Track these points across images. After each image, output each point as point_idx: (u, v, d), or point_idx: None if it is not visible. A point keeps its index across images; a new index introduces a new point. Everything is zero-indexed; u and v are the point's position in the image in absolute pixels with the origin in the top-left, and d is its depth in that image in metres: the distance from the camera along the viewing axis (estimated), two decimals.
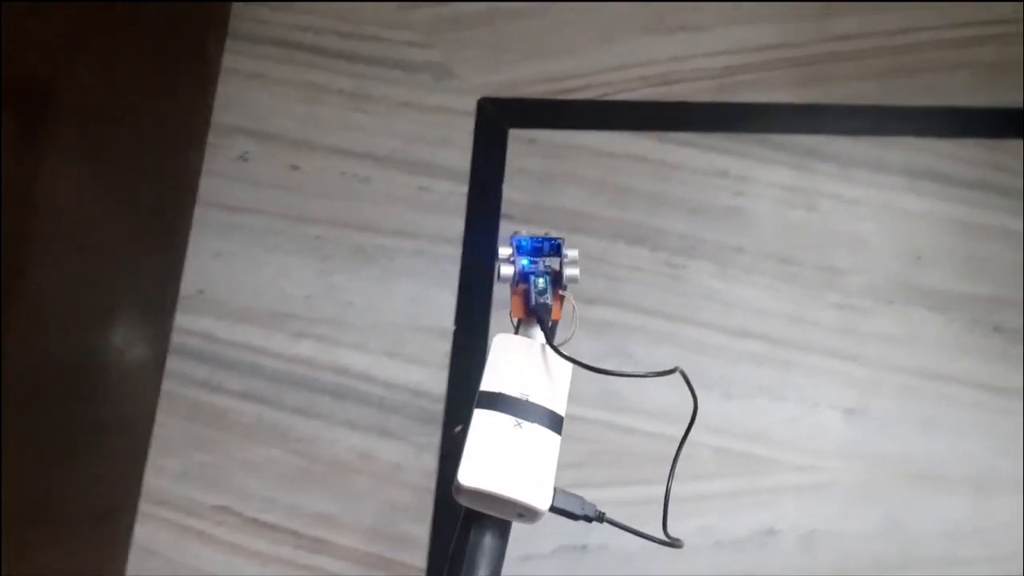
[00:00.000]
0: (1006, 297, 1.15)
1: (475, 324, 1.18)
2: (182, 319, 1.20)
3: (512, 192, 1.25)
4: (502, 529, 0.59)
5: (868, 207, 1.20)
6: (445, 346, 1.17)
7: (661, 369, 0.60)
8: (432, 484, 1.12)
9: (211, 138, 1.28)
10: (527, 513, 0.57)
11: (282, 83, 1.31)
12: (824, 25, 1.28)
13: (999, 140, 1.21)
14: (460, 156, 1.27)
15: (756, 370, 1.14)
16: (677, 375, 0.59)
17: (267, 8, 1.35)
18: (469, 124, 1.29)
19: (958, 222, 1.19)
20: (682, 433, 0.61)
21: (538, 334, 0.65)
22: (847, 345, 1.15)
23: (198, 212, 1.25)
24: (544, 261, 0.67)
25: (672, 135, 1.26)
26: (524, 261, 0.67)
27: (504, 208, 1.25)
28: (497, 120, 1.28)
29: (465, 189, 1.26)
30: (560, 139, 1.27)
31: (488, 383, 0.61)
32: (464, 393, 1.15)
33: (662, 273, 1.20)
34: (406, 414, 1.15)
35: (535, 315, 0.65)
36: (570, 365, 0.63)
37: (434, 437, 1.14)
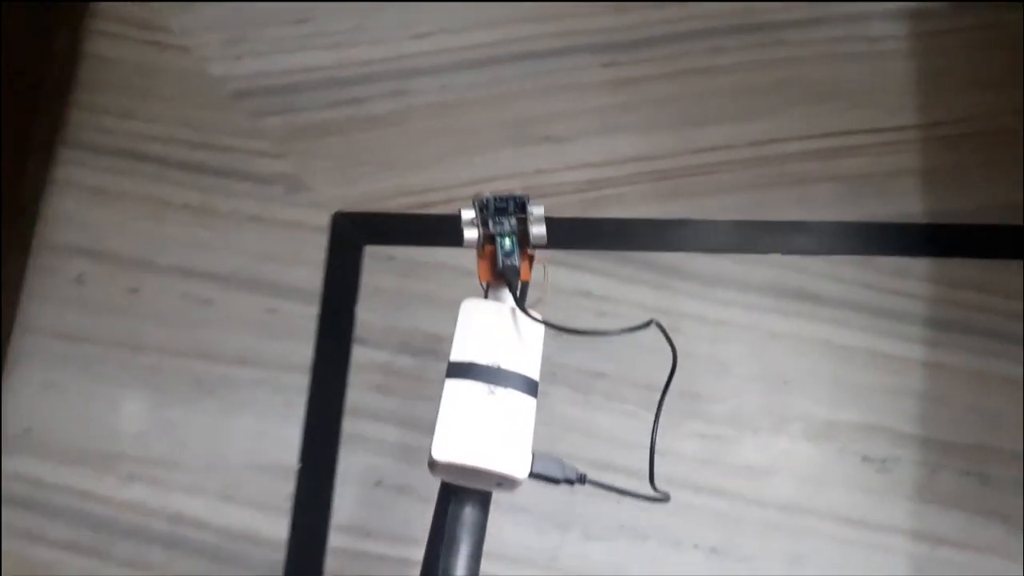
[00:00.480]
0: (875, 424, 1.11)
1: (321, 461, 1.12)
2: (6, 462, 1.11)
3: (366, 314, 1.19)
4: (482, 501, 0.58)
5: (732, 328, 1.16)
6: (287, 487, 1.10)
7: (635, 324, 0.60)
8: None
9: (43, 259, 1.20)
10: (506, 482, 0.56)
11: (124, 197, 1.25)
12: (688, 136, 1.24)
13: (868, 257, 1.18)
14: (312, 275, 1.21)
15: (617, 507, 1.09)
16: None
17: (111, 117, 1.28)
18: (322, 240, 1.23)
19: (826, 344, 1.15)
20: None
21: (507, 297, 0.64)
22: (710, 477, 1.10)
23: (26, 340, 1.17)
24: (510, 220, 0.65)
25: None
26: (489, 222, 0.65)
27: (357, 331, 1.18)
28: (352, 236, 1.22)
29: (315, 311, 1.19)
30: (419, 256, 1.21)
31: (458, 352, 0.60)
32: (306, 543, 1.08)
33: None
34: (243, 564, 1.07)
35: (503, 277, 0.64)
36: (542, 327, 0.62)
37: None
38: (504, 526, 1.08)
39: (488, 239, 0.65)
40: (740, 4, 1.30)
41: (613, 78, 1.28)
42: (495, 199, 0.66)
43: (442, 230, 1.23)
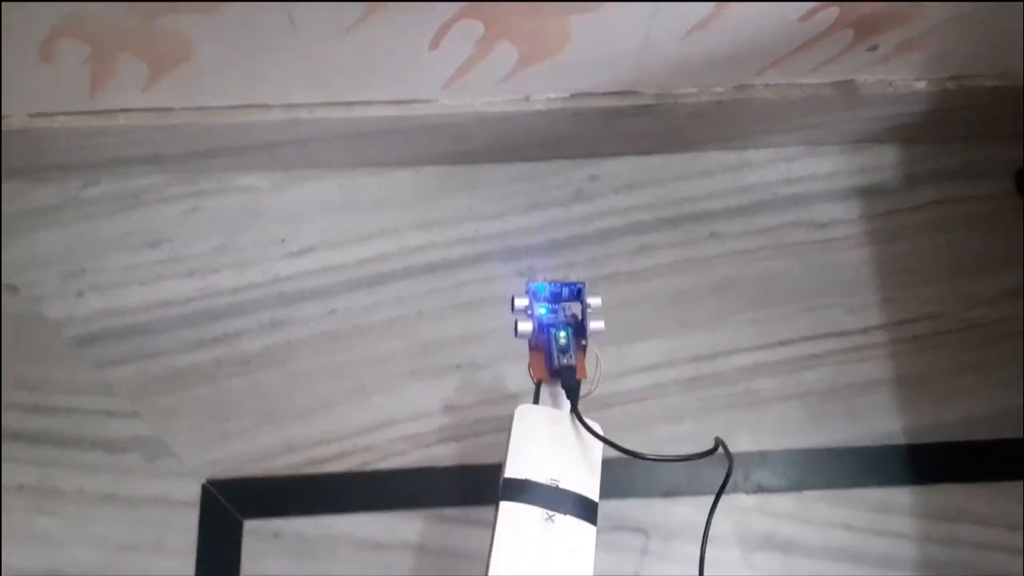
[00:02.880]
0: None
1: None
2: None
3: None
4: None
5: None
6: None
7: (702, 450, 0.57)
8: None
9: None
10: None
11: None
12: (622, 352, 1.09)
13: (844, 491, 1.03)
14: (181, 564, 1.00)
15: None
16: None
17: None
18: (192, 518, 1.02)
19: None
20: None
21: (561, 397, 0.62)
22: None
23: None
24: (565, 308, 0.65)
25: (458, 512, 1.04)
26: (542, 310, 0.65)
27: None
28: (227, 509, 1.02)
29: None
30: (310, 528, 1.02)
31: (513, 468, 0.58)
32: None
33: None
34: None
35: (559, 378, 0.63)
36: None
37: None
38: None
39: (540, 329, 0.64)
40: (667, 191, 1.15)
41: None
42: (550, 285, 0.65)
43: (338, 493, 1.04)
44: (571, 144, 1.13)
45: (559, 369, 0.63)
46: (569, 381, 0.63)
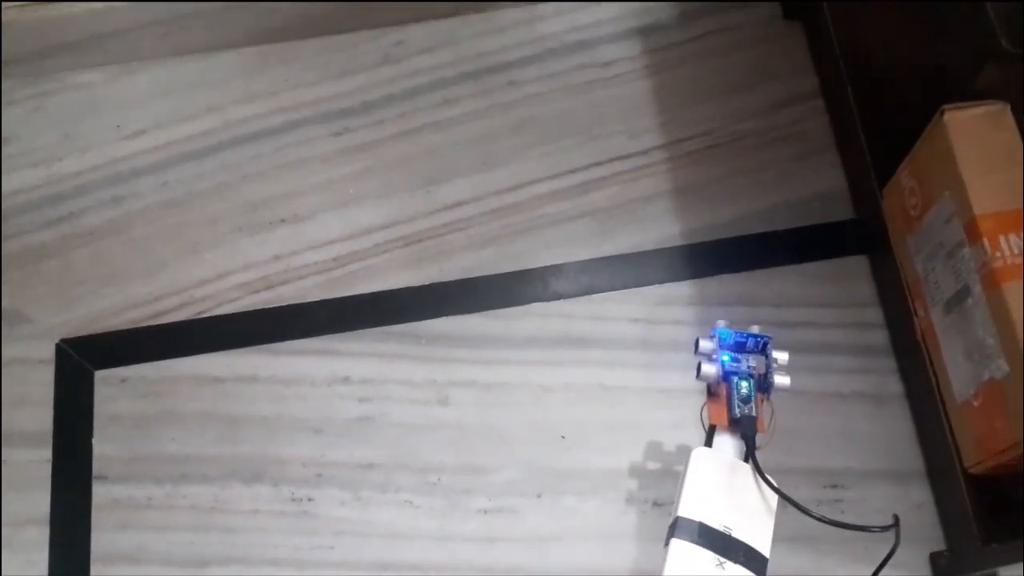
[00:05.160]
0: (661, 468, 1.09)
1: None
2: None
3: (104, 446, 1.13)
4: None
5: (504, 390, 1.14)
6: None
7: (883, 524, 0.60)
8: None
9: None
10: None
11: None
12: (431, 195, 1.23)
13: (630, 290, 1.17)
14: (40, 415, 1.15)
15: None
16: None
17: None
18: (49, 374, 1.16)
19: (599, 388, 1.13)
20: None
21: (732, 447, 0.63)
22: (496, 558, 1.06)
23: None
24: (748, 359, 0.65)
25: (284, 345, 1.17)
26: (726, 357, 0.65)
27: (96, 468, 1.12)
28: (79, 364, 1.16)
29: (49, 454, 1.12)
30: (154, 372, 1.17)
31: (687, 508, 0.58)
32: None
33: (287, 512, 1.09)
34: None
35: (739, 427, 0.63)
36: (776, 497, 0.60)
37: None
38: None
39: (723, 377, 0.64)
40: (466, 49, 1.29)
41: (346, 146, 1.26)
42: (735, 334, 0.66)
43: (177, 339, 1.18)
44: (376, 14, 1.27)
45: (741, 419, 0.63)
46: (748, 431, 0.63)
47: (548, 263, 1.19)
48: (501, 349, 1.16)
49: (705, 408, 0.66)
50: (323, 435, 1.13)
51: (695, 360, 0.70)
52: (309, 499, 1.10)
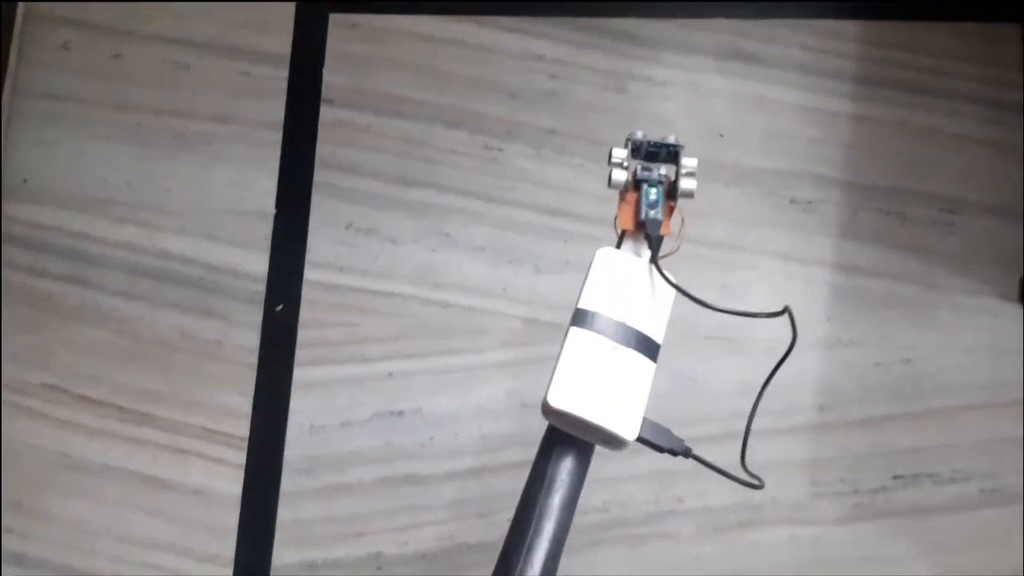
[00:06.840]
0: (802, 171, 1.29)
1: (296, 208, 1.30)
2: (6, 207, 1.30)
3: (332, 76, 1.36)
4: (585, 452, 0.61)
5: (674, 87, 1.33)
6: (265, 229, 1.30)
7: (770, 311, 0.61)
8: (253, 360, 1.25)
9: (29, 26, 1.36)
10: (613, 441, 0.60)
11: None
12: None
13: (805, 20, 1.34)
14: (281, 41, 1.38)
15: (564, 246, 1.28)
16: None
17: None
18: (290, 9, 1.38)
19: (760, 99, 1.32)
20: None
21: (643, 250, 0.65)
22: None
23: (18, 102, 1.34)
24: (659, 168, 0.67)
25: (490, 19, 1.37)
26: (638, 167, 0.67)
27: (324, 92, 1.36)
28: (318, 4, 1.38)
29: (285, 74, 1.36)
30: (381, 23, 1.38)
31: (586, 300, 0.62)
32: (285, 276, 1.27)
33: (479, 156, 1.32)
34: (227, 294, 1.27)
35: (643, 230, 0.65)
36: (673, 291, 0.64)
37: (255, 316, 1.27)
38: (463, 262, 1.27)
39: (634, 184, 0.66)
40: None
41: None
42: (648, 143, 0.66)
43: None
44: None
45: (646, 222, 0.65)
46: (652, 232, 0.64)
47: None
48: (678, 54, 1.35)
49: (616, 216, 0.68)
50: (516, 100, 1.34)
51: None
52: (499, 149, 1.33)
